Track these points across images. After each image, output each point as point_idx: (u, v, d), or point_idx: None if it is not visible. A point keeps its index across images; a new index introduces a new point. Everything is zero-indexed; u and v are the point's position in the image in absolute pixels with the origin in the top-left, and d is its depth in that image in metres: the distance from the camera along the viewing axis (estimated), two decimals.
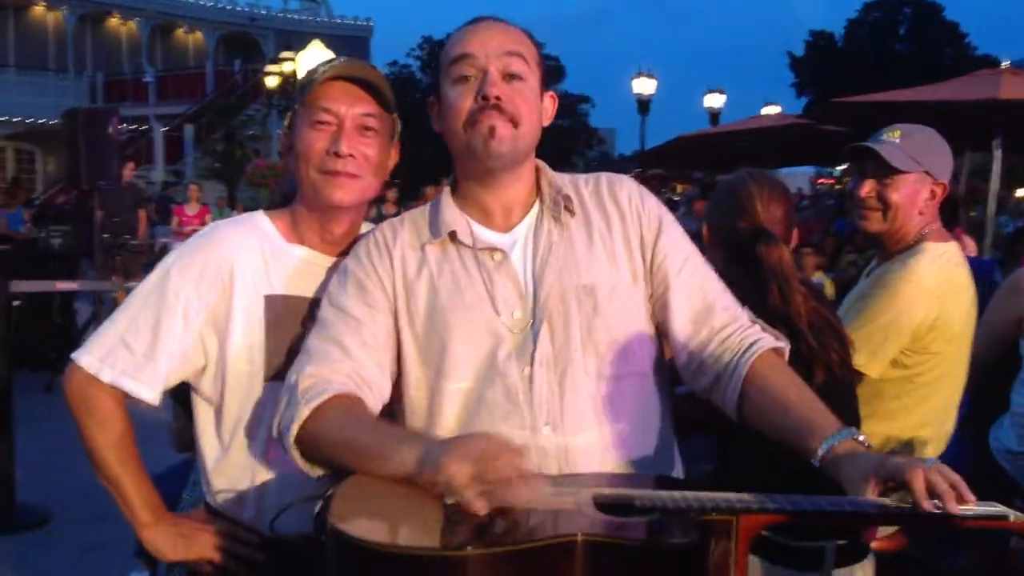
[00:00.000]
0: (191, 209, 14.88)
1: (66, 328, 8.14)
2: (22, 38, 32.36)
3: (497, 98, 1.63)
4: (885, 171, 2.55)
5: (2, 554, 4.48)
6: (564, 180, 1.80)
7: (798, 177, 30.60)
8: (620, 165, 39.37)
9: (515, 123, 1.65)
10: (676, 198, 15.43)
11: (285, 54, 24.45)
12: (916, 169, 2.54)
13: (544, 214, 1.74)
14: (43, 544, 4.60)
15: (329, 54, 14.92)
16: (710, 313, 1.72)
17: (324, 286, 1.81)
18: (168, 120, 30.98)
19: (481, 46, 1.66)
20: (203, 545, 1.85)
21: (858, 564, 2.15)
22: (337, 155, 1.77)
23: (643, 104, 27.28)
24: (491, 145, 1.64)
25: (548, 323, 1.65)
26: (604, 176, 1.84)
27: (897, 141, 2.55)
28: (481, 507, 1.28)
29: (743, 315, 1.75)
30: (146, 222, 12.47)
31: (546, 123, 1.77)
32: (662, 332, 1.76)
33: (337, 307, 1.71)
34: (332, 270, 1.85)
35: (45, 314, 8.07)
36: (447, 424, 1.65)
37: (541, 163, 1.80)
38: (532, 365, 1.63)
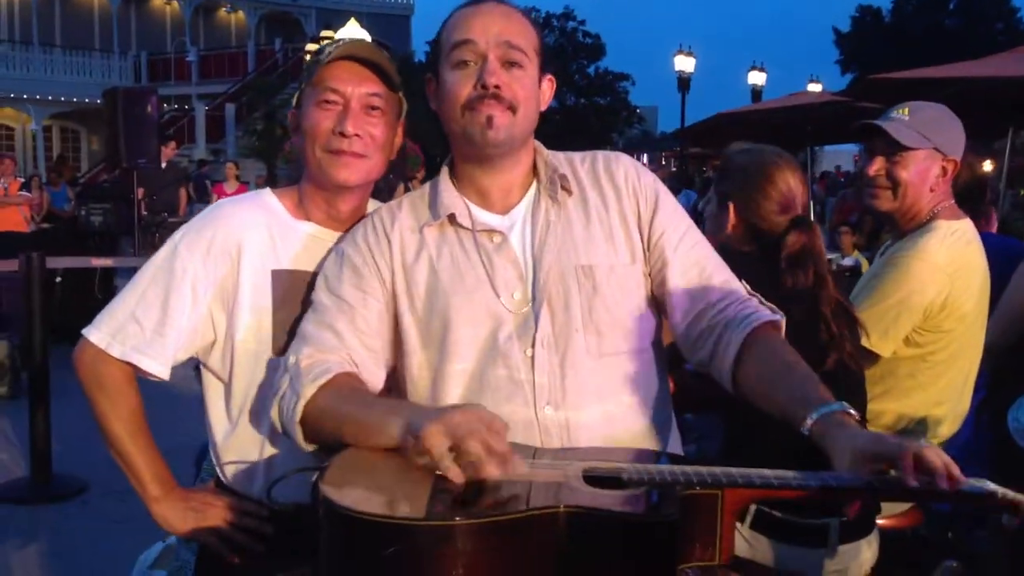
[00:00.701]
0: (230, 187, 15.04)
1: (106, 304, 8.25)
2: (68, 19, 32.85)
3: (496, 87, 1.63)
4: (894, 149, 2.52)
5: (39, 522, 4.62)
6: (560, 159, 1.80)
7: (841, 155, 30.17)
8: (662, 143, 39.08)
9: (513, 110, 1.66)
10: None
11: (325, 33, 24.51)
12: (925, 146, 2.50)
13: (541, 194, 1.75)
14: (79, 514, 4.73)
15: (364, 34, 14.98)
16: (707, 287, 1.73)
17: None
18: (210, 99, 31.29)
19: (482, 32, 1.65)
20: (212, 518, 1.87)
21: (863, 540, 2.15)
22: (343, 135, 1.78)
23: (683, 82, 27.05)
24: (488, 135, 1.65)
25: (548, 304, 1.67)
26: (600, 154, 1.84)
27: (905, 118, 2.52)
28: (457, 476, 1.31)
29: (740, 289, 1.75)
30: (187, 201, 12.64)
31: (543, 108, 1.77)
32: (660, 307, 1.77)
33: (331, 291, 1.73)
34: (338, 240, 1.87)
35: (86, 290, 8.23)
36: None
37: (537, 143, 1.80)
38: (534, 346, 1.65)
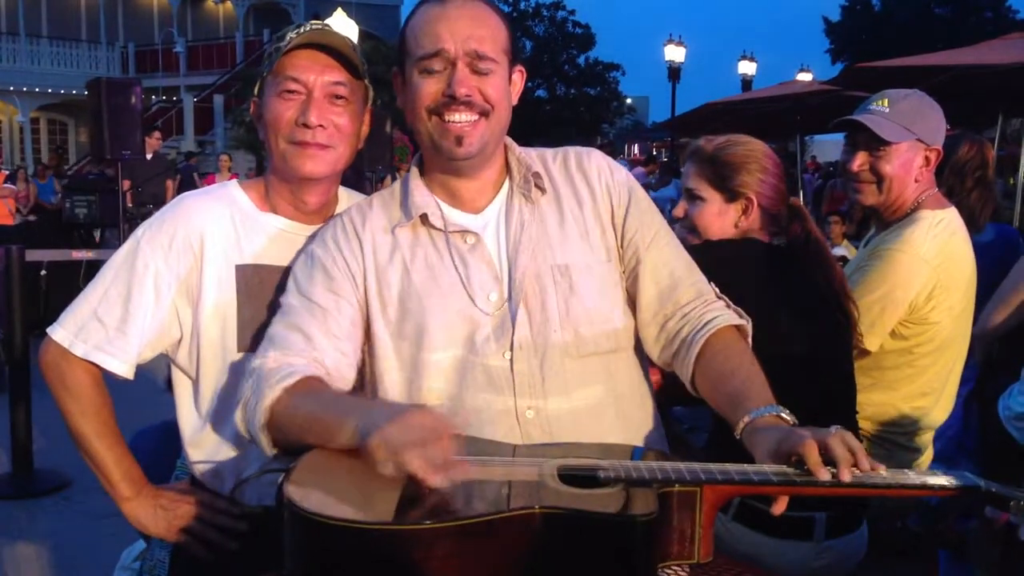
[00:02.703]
0: (221, 179, 14.92)
1: None
2: (54, 9, 32.59)
3: (467, 95, 1.60)
4: (876, 143, 2.48)
5: (20, 518, 4.56)
6: (532, 157, 1.77)
7: (828, 145, 30.09)
8: (653, 133, 39.08)
9: (485, 114, 1.62)
10: None
11: (314, 23, 24.33)
12: (907, 138, 2.47)
13: (514, 193, 1.72)
14: (61, 509, 4.67)
15: (351, 24, 14.86)
16: (676, 288, 1.71)
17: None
18: (198, 90, 31.09)
19: (450, 40, 1.59)
20: (184, 517, 1.85)
21: (851, 535, 2.12)
22: (306, 126, 1.74)
23: (674, 71, 27.00)
24: (458, 152, 1.63)
25: (524, 304, 1.64)
26: (572, 150, 1.81)
27: (886, 110, 2.48)
28: (404, 482, 1.27)
29: (708, 291, 1.74)
30: (173, 192, 12.56)
31: (514, 101, 1.73)
32: (630, 305, 1.75)
33: (302, 294, 1.69)
34: (305, 238, 1.83)
35: (71, 283, 8.16)
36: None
37: (509, 141, 1.77)
38: (512, 348, 1.62)
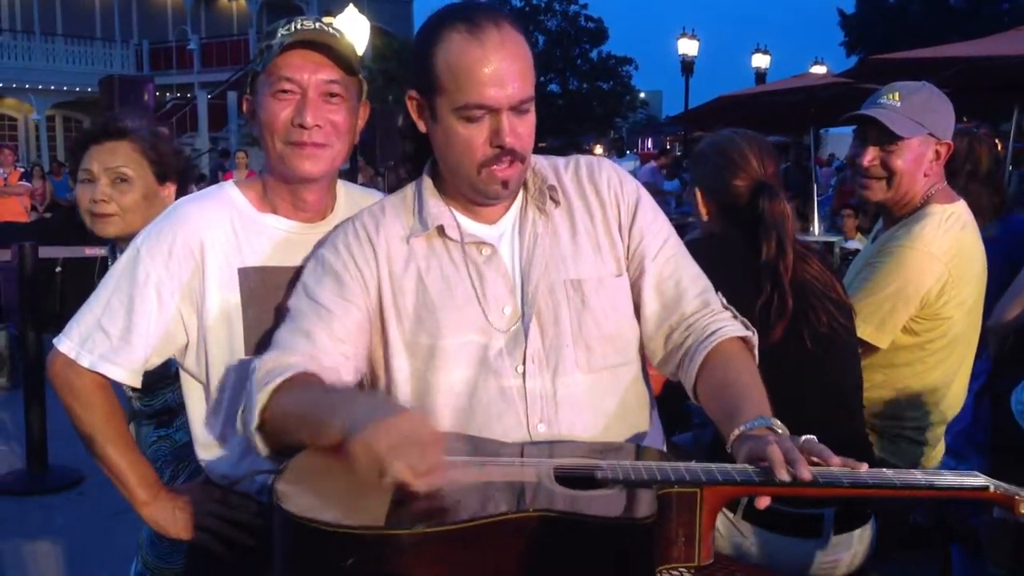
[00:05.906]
0: (239, 175, 14.93)
1: None
2: (69, 7, 32.72)
3: (513, 145, 1.58)
4: (888, 137, 2.46)
5: (35, 514, 4.60)
6: (545, 167, 1.76)
7: (843, 138, 29.91)
8: (667, 128, 38.95)
9: (524, 159, 1.62)
10: None
11: (326, 20, 24.31)
12: (919, 133, 2.45)
13: (528, 204, 1.71)
14: (75, 505, 4.70)
15: (363, 20, 14.84)
16: (681, 299, 1.70)
17: (300, 255, 1.79)
18: (212, 87, 31.16)
19: (496, 92, 1.54)
20: (202, 516, 1.84)
21: (858, 530, 2.11)
22: (303, 126, 1.73)
23: (687, 65, 26.92)
24: (503, 194, 1.63)
25: (537, 319, 1.64)
26: (583, 160, 1.80)
27: (897, 104, 2.46)
28: (388, 487, 1.24)
29: (715, 301, 1.73)
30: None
31: None
32: (636, 315, 1.74)
33: (310, 298, 1.67)
34: (306, 237, 1.82)
35: (87, 280, 8.20)
36: (440, 424, 1.61)
37: None
38: (525, 362, 1.62)
